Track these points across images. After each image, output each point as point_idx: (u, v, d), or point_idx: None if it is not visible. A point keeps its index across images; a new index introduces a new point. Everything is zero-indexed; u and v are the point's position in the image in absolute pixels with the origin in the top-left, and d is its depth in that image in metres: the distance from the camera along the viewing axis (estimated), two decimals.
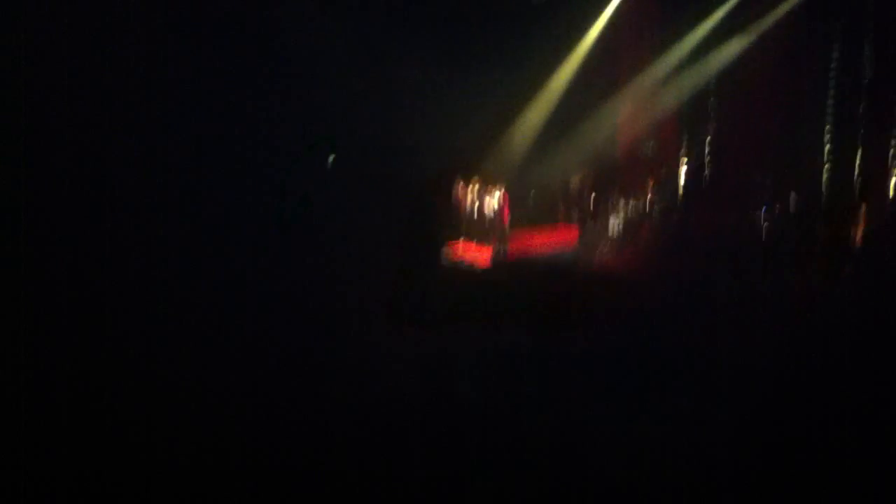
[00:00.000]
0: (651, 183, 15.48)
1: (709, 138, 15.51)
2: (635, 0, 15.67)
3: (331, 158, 13.16)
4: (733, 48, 14.55)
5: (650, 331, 7.66)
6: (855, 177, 13.51)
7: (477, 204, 14.26)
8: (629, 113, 16.28)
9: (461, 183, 14.44)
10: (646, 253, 13.33)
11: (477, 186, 14.35)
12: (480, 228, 14.21)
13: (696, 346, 7.28)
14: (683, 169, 15.86)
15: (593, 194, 16.07)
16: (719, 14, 14.57)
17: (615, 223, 14.68)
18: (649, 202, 15.15)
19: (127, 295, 6.62)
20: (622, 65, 16.37)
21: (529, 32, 15.34)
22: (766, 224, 13.40)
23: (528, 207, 15.59)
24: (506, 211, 14.06)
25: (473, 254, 13.79)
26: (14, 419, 4.72)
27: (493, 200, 14.09)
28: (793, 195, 13.46)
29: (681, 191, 15.76)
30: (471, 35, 15.03)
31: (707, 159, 15.60)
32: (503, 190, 14.15)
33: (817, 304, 9.46)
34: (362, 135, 13.66)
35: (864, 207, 12.67)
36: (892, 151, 13.00)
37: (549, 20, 15.33)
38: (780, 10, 13.84)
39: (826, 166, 13.81)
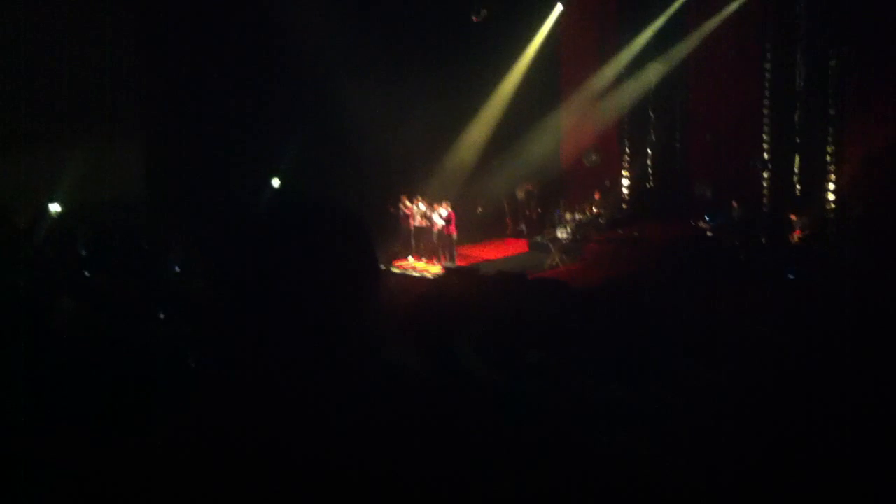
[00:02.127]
0: (596, 195, 15.56)
1: (649, 149, 15.66)
2: (573, 15, 15.83)
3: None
4: (670, 60, 14.76)
5: (603, 338, 7.60)
6: (793, 184, 13.77)
7: (424, 219, 14.01)
8: (571, 126, 16.38)
9: (407, 199, 14.18)
10: (595, 261, 13.34)
11: (423, 202, 14.10)
12: (428, 243, 13.99)
13: (649, 353, 7.24)
14: (626, 180, 16.00)
15: (539, 207, 16.10)
16: (656, 25, 14.78)
17: (563, 234, 14.68)
18: (595, 213, 15.22)
19: None
20: (562, 78, 16.51)
21: (470, 49, 15.35)
22: (709, 233, 13.58)
23: (475, 221, 15.49)
24: (453, 225, 13.83)
25: (423, 266, 13.70)
26: None
27: (440, 215, 13.84)
28: (734, 204, 13.69)
29: (624, 202, 15.90)
30: (411, 53, 14.93)
31: (649, 170, 15.75)
32: (449, 205, 13.93)
33: (766, 309, 9.56)
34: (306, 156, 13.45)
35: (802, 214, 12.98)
36: (827, 158, 13.29)
37: (490, 37, 15.37)
38: (714, 22, 14.09)
39: (765, 174, 14.04)
